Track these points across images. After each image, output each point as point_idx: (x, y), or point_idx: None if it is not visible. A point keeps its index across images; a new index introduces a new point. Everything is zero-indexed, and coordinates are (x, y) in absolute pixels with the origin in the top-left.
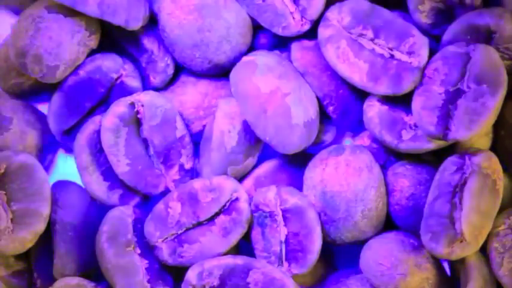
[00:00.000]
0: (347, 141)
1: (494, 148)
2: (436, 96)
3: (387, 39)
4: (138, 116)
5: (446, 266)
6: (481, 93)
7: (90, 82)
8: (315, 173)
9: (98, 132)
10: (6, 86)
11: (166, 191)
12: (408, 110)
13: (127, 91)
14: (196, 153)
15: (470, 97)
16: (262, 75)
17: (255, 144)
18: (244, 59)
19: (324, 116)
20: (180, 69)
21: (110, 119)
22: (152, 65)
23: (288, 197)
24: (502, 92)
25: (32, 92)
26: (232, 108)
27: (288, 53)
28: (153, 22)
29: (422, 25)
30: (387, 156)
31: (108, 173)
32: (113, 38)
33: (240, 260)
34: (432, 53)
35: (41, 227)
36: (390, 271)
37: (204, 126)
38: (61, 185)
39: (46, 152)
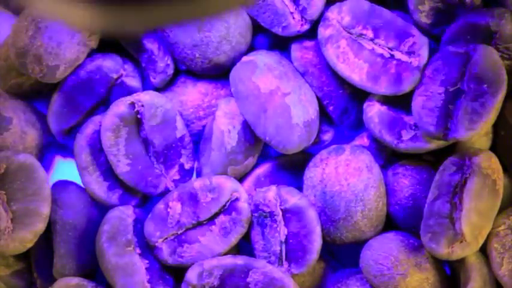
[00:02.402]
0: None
1: (494, 148)
2: (436, 96)
3: (387, 39)
4: (138, 116)
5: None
6: (481, 93)
7: (90, 82)
8: (315, 173)
9: (98, 132)
10: (6, 86)
11: (166, 191)
12: (408, 110)
13: (127, 91)
14: (196, 153)
15: (470, 97)
16: (262, 75)
17: (255, 144)
18: (244, 58)
19: (324, 116)
20: (180, 69)
21: (110, 119)
22: (152, 65)
23: (288, 197)
24: (502, 92)
25: (32, 92)
26: (232, 108)
27: (288, 53)
28: None
29: (422, 25)
30: (387, 156)
31: (108, 173)
32: (113, 38)
33: (240, 260)
34: (432, 53)
35: (41, 226)
36: (390, 271)
37: (204, 126)
38: (61, 185)
39: (46, 152)
